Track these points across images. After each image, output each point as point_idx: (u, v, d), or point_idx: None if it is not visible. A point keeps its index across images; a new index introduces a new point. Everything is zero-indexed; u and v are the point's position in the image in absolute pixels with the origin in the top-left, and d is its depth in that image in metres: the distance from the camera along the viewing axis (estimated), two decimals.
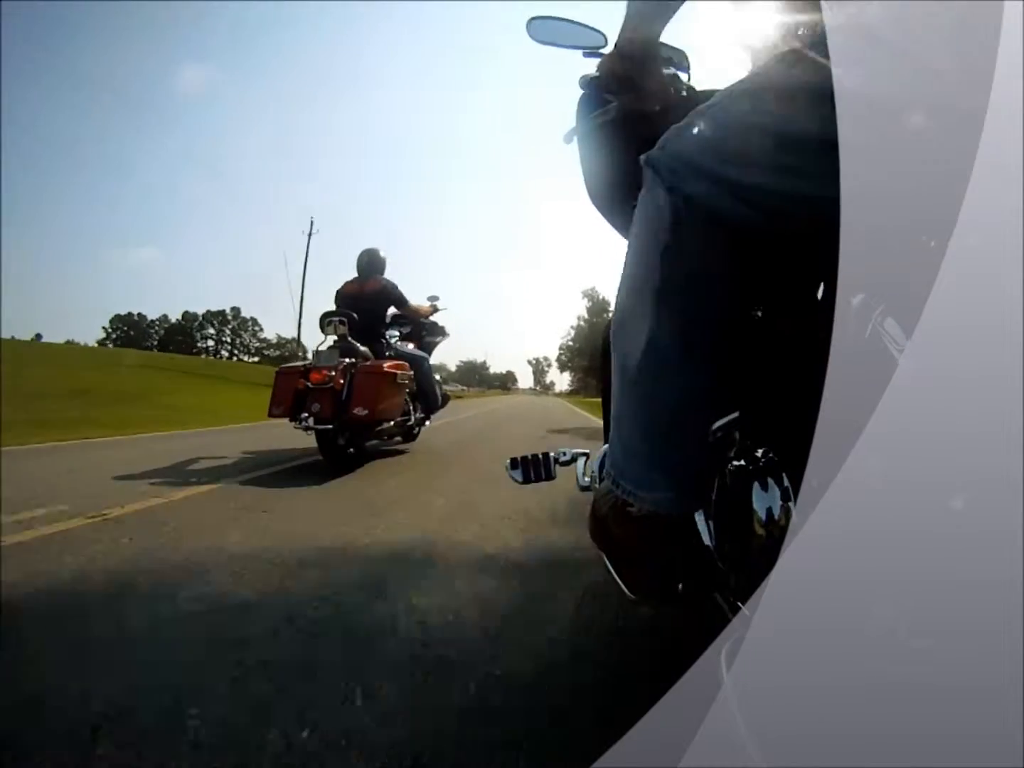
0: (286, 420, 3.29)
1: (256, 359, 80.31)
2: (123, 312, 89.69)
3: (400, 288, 4.08)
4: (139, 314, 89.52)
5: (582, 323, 57.19)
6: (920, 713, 0.33)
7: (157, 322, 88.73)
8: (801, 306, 0.67)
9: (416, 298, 4.30)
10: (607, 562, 0.82)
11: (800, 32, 0.57)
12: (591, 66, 0.96)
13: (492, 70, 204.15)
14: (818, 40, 0.52)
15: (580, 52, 1.00)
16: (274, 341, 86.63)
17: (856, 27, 0.50)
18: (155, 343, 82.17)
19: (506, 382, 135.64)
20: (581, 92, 0.98)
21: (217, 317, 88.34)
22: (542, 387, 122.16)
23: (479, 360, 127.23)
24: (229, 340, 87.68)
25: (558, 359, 72.83)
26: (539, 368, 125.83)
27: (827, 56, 0.50)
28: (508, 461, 1.27)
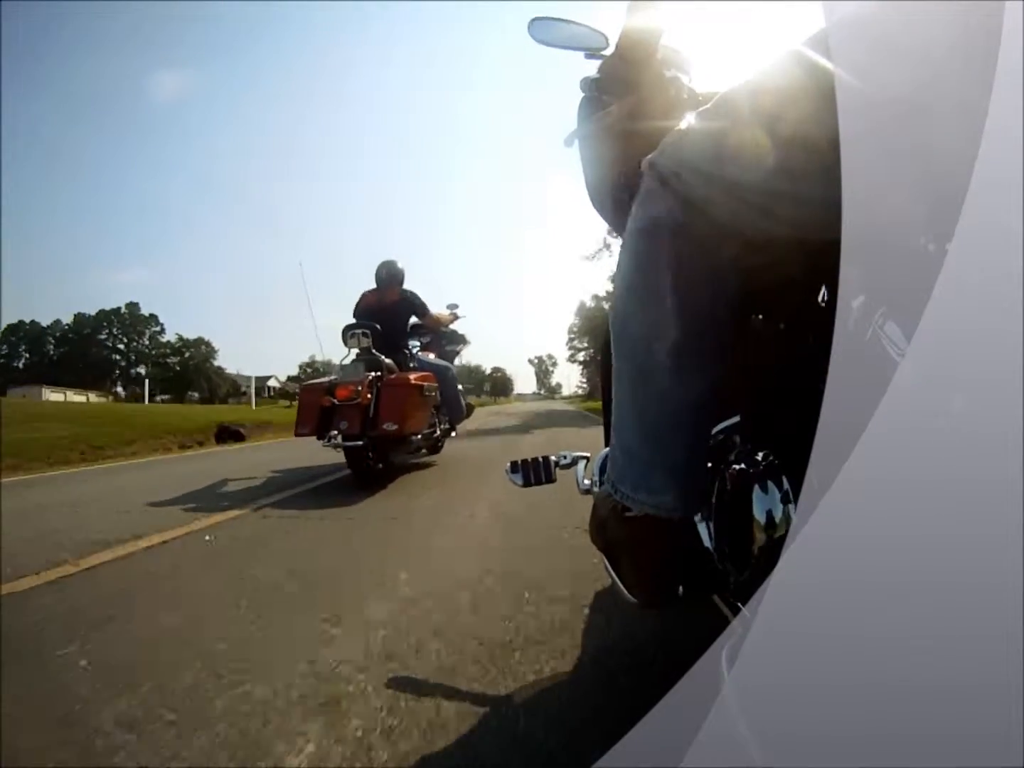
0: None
1: (148, 368, 60.71)
2: (14, 320, 66.77)
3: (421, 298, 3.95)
4: (32, 321, 66.83)
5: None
6: (920, 713, 0.33)
7: (49, 329, 67.22)
8: (802, 309, 0.67)
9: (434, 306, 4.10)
10: (607, 564, 0.82)
11: (800, 33, 0.57)
12: (593, 68, 0.96)
13: (491, 71, 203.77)
14: (818, 41, 0.53)
15: (582, 54, 1.00)
16: (176, 344, 65.36)
17: (856, 27, 0.50)
18: (50, 357, 62.48)
19: (485, 384, 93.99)
20: (582, 95, 0.98)
21: (111, 317, 67.19)
22: (547, 390, 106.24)
23: (473, 364, 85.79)
24: (123, 346, 66.78)
25: (568, 344, 54.05)
26: (542, 368, 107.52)
27: (827, 57, 0.51)
28: (508, 464, 1.24)
